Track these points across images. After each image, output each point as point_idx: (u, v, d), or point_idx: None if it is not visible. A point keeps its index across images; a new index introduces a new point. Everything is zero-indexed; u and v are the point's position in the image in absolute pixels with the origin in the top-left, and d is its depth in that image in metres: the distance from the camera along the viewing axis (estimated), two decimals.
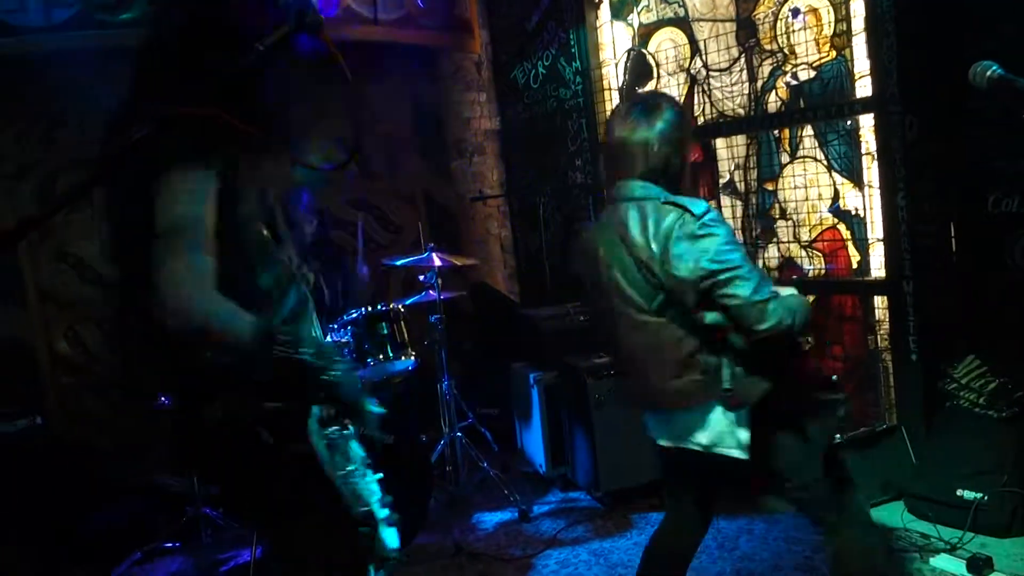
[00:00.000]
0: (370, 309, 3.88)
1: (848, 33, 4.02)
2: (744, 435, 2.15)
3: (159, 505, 4.07)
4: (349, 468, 1.73)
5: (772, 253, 4.48)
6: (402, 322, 3.93)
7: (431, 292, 4.19)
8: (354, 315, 3.89)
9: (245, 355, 1.53)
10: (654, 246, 2.12)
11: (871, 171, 4.00)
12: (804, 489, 2.26)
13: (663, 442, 2.36)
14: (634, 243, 2.17)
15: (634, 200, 2.22)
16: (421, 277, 4.26)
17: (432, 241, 4.23)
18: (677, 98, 4.69)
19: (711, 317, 2.13)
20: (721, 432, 2.18)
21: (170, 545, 3.85)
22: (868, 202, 4.07)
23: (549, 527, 3.86)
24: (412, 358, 3.91)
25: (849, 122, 4.10)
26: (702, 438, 2.22)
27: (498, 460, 4.57)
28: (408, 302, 4.13)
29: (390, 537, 1.78)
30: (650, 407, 2.37)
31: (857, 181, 4.14)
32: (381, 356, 3.81)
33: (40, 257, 4.47)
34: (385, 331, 3.84)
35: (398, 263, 4.25)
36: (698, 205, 2.12)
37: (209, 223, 1.48)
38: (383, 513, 1.78)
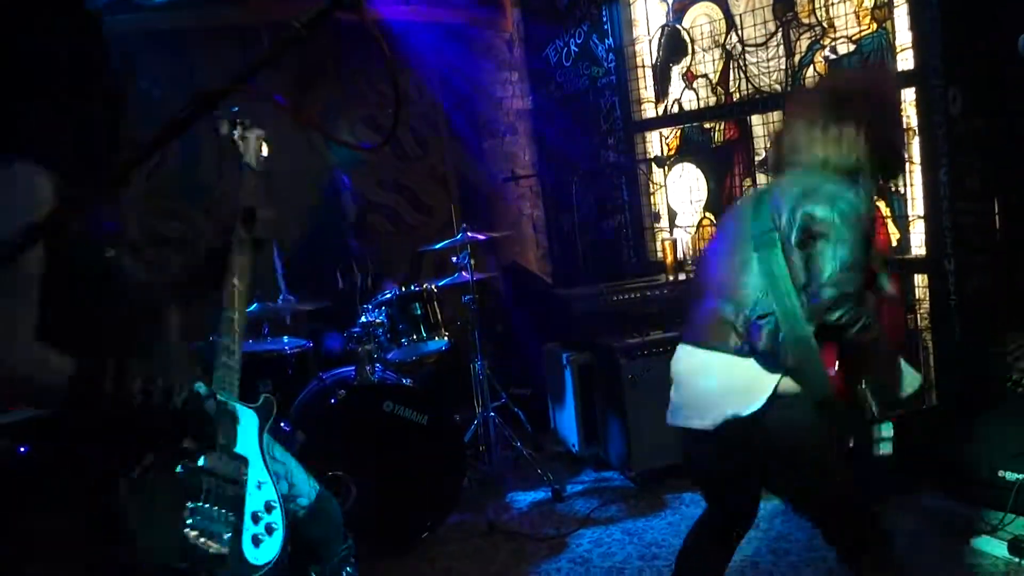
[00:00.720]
0: (403, 290, 3.90)
1: (890, 5, 3.92)
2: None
3: None
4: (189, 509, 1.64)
5: None
6: (435, 302, 3.95)
7: (464, 273, 4.19)
8: (388, 295, 3.92)
9: None
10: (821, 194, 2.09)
11: (912, 147, 3.91)
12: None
13: (696, 423, 2.28)
14: (780, 193, 2.17)
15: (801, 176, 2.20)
16: (454, 258, 4.26)
17: (464, 222, 4.23)
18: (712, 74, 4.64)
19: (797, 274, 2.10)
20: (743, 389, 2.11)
21: None
22: (908, 178, 3.98)
23: (582, 506, 3.87)
24: (445, 338, 3.93)
25: None
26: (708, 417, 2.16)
27: (531, 440, 4.58)
28: (441, 283, 4.14)
29: (257, 554, 1.74)
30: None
31: None
32: (415, 336, 3.84)
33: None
34: (418, 311, 3.86)
35: (436, 247, 4.25)
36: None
37: None
38: (249, 529, 1.74)
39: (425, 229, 5.55)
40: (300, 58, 4.96)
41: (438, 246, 4.26)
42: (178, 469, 1.66)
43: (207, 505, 1.67)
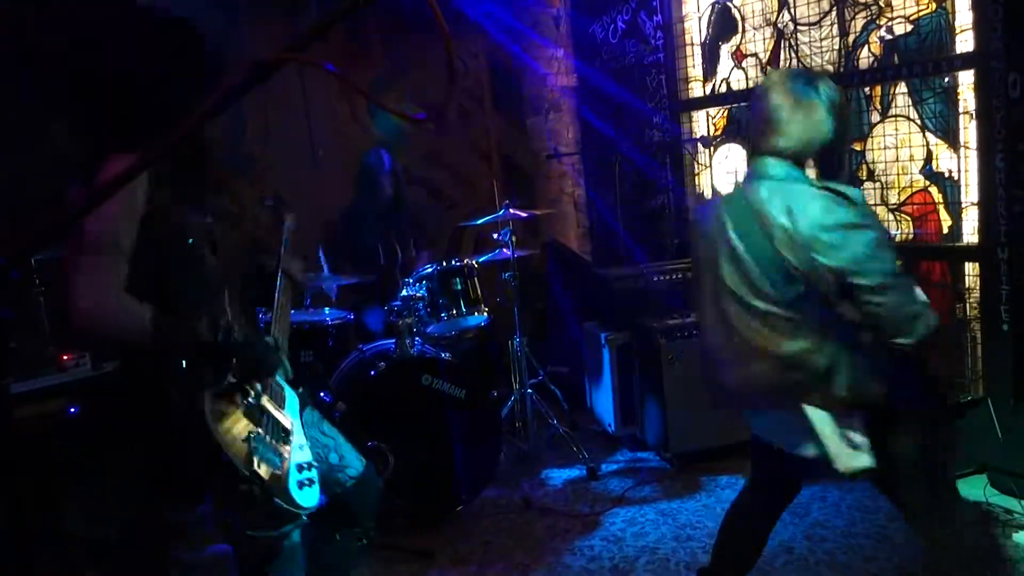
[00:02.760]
0: (444, 264, 3.92)
1: None
2: (860, 439, 2.01)
3: None
4: (252, 432, 1.87)
5: None
6: (475, 278, 3.96)
7: (504, 250, 4.19)
8: (429, 270, 3.94)
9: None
10: (803, 231, 1.97)
11: (968, 131, 3.79)
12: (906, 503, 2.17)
13: (767, 439, 2.26)
14: (775, 225, 2.01)
15: (774, 180, 2.07)
16: (495, 234, 4.26)
17: (506, 198, 4.22)
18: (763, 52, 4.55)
19: (853, 313, 2.00)
20: (832, 440, 2.02)
21: None
22: (963, 164, 3.88)
23: (617, 486, 3.87)
24: (485, 314, 3.94)
25: (947, 79, 3.89)
26: (811, 449, 2.08)
27: (567, 418, 4.59)
28: (482, 259, 4.15)
29: (301, 496, 1.91)
30: (735, 402, 2.27)
31: (952, 142, 3.94)
32: (454, 311, 3.86)
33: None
34: (459, 287, 3.88)
35: (477, 222, 4.26)
36: (855, 192, 2.00)
37: None
38: (294, 474, 1.94)
39: (466, 204, 5.56)
40: (348, 30, 4.98)
41: (479, 221, 4.26)
42: (249, 400, 1.93)
43: (265, 436, 1.90)
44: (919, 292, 2.08)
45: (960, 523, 2.24)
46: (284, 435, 2.00)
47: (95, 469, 3.09)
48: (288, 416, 2.08)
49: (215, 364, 1.89)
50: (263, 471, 1.81)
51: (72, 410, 3.21)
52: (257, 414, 1.93)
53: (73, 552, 3.09)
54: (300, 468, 1.98)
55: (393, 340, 3.70)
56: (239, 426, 1.85)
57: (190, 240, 1.94)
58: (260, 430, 1.89)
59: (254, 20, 4.61)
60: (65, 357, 3.38)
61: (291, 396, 2.17)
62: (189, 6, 4.31)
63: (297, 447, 2.03)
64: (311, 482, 1.98)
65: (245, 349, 1.95)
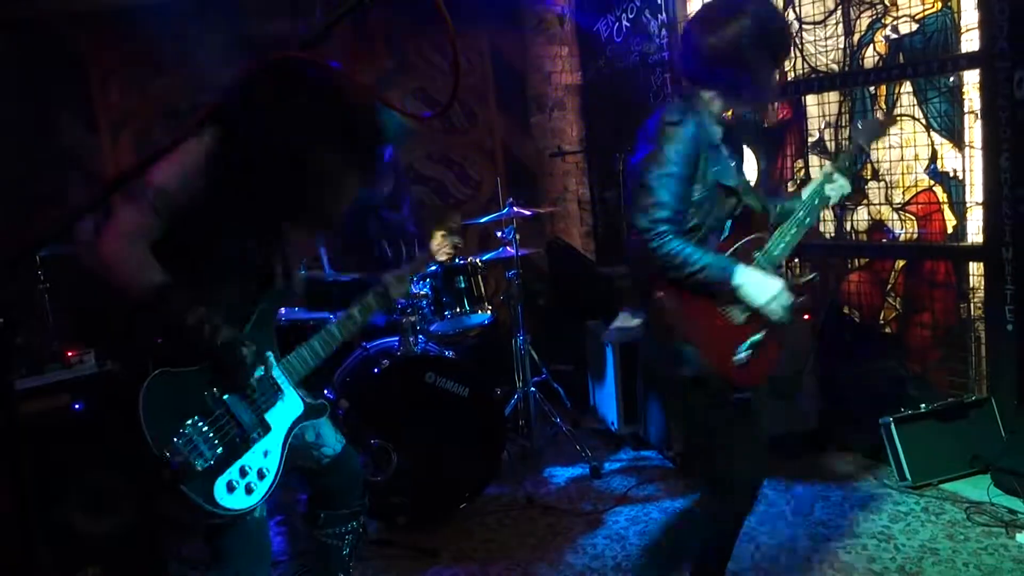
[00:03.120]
0: (448, 263, 3.91)
1: None
2: None
3: None
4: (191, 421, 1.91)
5: (862, 215, 4.31)
6: (479, 276, 3.96)
7: (508, 248, 4.19)
8: (433, 268, 3.94)
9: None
10: None
11: (973, 131, 3.79)
12: None
13: None
14: None
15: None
16: (499, 233, 4.26)
17: (510, 197, 4.22)
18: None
19: None
20: None
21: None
22: (968, 164, 3.87)
23: (620, 484, 3.88)
24: (488, 312, 3.94)
25: (952, 78, 3.88)
26: None
27: (570, 416, 4.60)
28: (486, 257, 4.15)
29: (223, 496, 1.91)
30: None
31: (957, 141, 3.93)
32: (458, 309, 3.85)
33: None
34: (462, 285, 3.88)
35: (481, 220, 4.26)
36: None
37: None
38: (229, 474, 1.94)
39: (471, 203, 5.57)
40: (353, 28, 4.98)
41: (483, 220, 4.26)
42: (206, 392, 1.95)
43: (207, 429, 1.92)
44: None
45: None
46: (241, 436, 1.98)
47: (98, 464, 3.10)
48: (268, 421, 2.07)
49: (190, 352, 1.93)
50: (179, 459, 1.82)
51: (77, 406, 3.22)
52: (212, 407, 1.95)
53: (74, 546, 3.11)
54: (243, 472, 1.96)
55: (397, 337, 3.70)
56: (182, 414, 1.89)
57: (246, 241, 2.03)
58: (203, 423, 1.91)
59: (258, 21, 4.62)
60: (70, 353, 3.40)
61: (290, 401, 2.15)
62: (196, 7, 4.34)
63: (258, 452, 2.01)
64: (249, 489, 1.96)
65: (224, 350, 1.94)
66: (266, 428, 2.06)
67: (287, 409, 2.14)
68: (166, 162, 1.81)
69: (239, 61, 4.30)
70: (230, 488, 1.92)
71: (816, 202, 2.36)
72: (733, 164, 2.27)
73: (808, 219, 2.32)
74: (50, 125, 4.54)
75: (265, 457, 2.03)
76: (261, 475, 2.00)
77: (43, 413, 3.15)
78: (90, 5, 4.39)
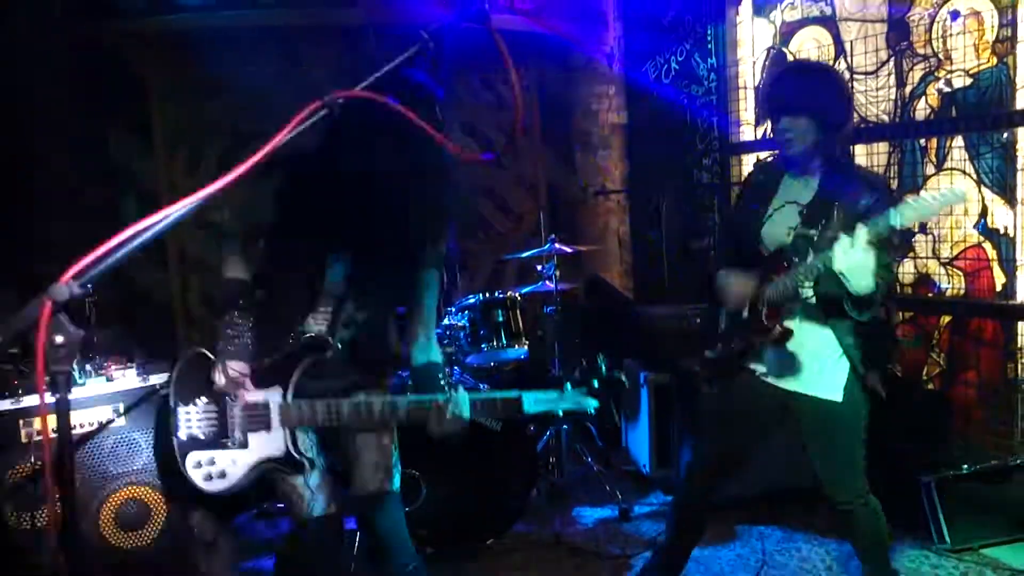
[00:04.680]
0: (487, 295, 3.93)
1: (1012, 39, 3.76)
2: None
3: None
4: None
5: (907, 268, 4.25)
6: (518, 311, 3.96)
7: (547, 283, 4.19)
8: (471, 300, 3.95)
9: None
10: None
11: None
12: None
13: None
14: None
15: None
16: (539, 267, 4.27)
17: (551, 232, 4.23)
18: None
19: None
20: None
21: (282, 506, 4.02)
22: (1019, 221, 3.81)
23: (649, 528, 3.82)
24: (525, 347, 3.93)
25: (1005, 134, 3.84)
26: None
27: (601, 456, 4.55)
28: (524, 291, 4.15)
29: (197, 478, 2.13)
30: None
31: (1009, 198, 3.87)
32: (495, 343, 3.86)
33: (182, 223, 4.75)
34: (501, 318, 3.89)
35: (522, 255, 4.27)
36: None
37: None
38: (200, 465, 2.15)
39: (512, 236, 5.59)
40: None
41: (524, 254, 4.28)
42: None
43: (205, 410, 2.16)
44: None
45: None
46: (220, 434, 2.14)
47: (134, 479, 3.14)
48: (246, 437, 2.16)
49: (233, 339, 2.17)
50: (180, 432, 2.11)
51: (117, 418, 3.27)
52: (216, 398, 2.16)
53: (105, 558, 3.13)
54: (212, 460, 2.12)
55: None
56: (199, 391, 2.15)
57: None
58: (207, 405, 2.14)
59: (314, 51, 4.73)
60: (112, 367, 3.45)
61: (271, 439, 2.20)
62: (251, 32, 4.45)
63: (227, 456, 2.14)
64: (208, 476, 2.12)
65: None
66: (244, 444, 2.16)
67: (267, 442, 2.18)
68: None
69: (292, 88, 4.39)
70: (197, 464, 2.12)
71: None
72: None
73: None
74: (106, 142, 4.67)
75: (232, 463, 2.14)
76: (222, 475, 2.13)
77: (82, 424, 3.20)
78: (153, 28, 4.53)
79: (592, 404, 2.16)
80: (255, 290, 2.26)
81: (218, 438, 2.15)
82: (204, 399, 2.16)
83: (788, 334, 2.46)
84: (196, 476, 2.12)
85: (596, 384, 2.18)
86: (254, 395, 2.15)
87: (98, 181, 4.63)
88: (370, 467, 2.33)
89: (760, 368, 2.62)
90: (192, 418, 2.14)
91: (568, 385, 2.18)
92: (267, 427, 2.16)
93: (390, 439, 2.38)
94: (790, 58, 4.82)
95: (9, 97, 4.22)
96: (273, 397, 2.16)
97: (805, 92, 2.42)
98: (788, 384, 2.56)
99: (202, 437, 2.14)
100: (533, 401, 2.19)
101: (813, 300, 2.47)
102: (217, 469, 2.13)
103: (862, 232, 2.14)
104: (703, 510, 2.87)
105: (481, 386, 3.78)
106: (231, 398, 2.15)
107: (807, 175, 2.51)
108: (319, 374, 2.19)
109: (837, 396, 2.50)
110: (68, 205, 4.48)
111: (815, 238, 2.40)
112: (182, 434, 2.12)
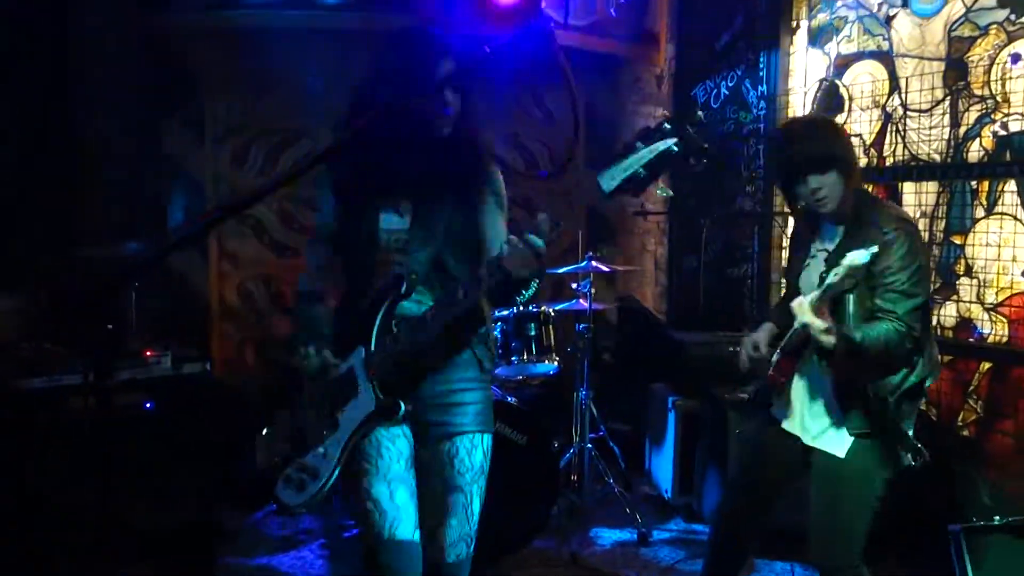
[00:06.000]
0: (521, 309, 3.92)
1: None
2: None
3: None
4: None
5: (950, 311, 4.17)
6: (550, 326, 3.95)
7: (582, 301, 4.18)
8: (504, 313, 3.95)
9: None
10: None
11: None
12: None
13: None
14: None
15: None
16: (574, 284, 4.26)
17: (590, 250, 4.22)
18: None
19: None
20: None
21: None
22: None
23: (667, 555, 3.78)
24: (555, 363, 3.92)
25: None
26: None
27: (623, 478, 4.51)
28: (557, 307, 4.14)
29: (282, 492, 2.09)
30: None
31: None
32: (525, 356, 3.85)
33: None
34: (532, 332, 3.88)
35: (559, 271, 4.27)
36: None
37: None
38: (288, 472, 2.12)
39: (549, 250, 5.57)
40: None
41: (561, 271, 4.27)
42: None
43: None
44: None
45: None
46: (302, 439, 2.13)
47: (162, 465, 3.18)
48: (337, 419, 2.10)
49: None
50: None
51: (148, 405, 3.32)
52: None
53: (127, 542, 3.17)
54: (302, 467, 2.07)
55: None
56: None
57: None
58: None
59: (367, 55, 4.77)
60: (148, 352, 3.50)
61: (365, 398, 2.07)
62: (309, 34, 4.49)
63: (319, 450, 2.07)
64: (300, 484, 2.05)
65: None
66: (333, 425, 2.08)
67: (360, 405, 2.08)
68: None
69: (341, 91, 4.43)
70: (288, 482, 2.06)
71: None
72: None
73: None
74: (159, 133, 4.76)
75: (324, 457, 2.06)
76: (303, 471, 2.06)
77: (114, 408, 3.25)
78: (212, 23, 4.61)
79: (670, 141, 2.04)
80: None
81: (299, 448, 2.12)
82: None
83: (783, 384, 2.48)
84: (287, 494, 2.07)
85: (668, 126, 2.04)
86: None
87: (151, 171, 4.73)
88: (455, 534, 2.28)
89: (779, 414, 2.59)
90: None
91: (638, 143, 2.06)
92: (355, 391, 2.08)
93: (480, 500, 2.34)
94: (842, 91, 4.77)
95: (75, 84, 4.33)
96: (356, 356, 2.10)
97: (825, 145, 2.37)
98: (801, 433, 2.51)
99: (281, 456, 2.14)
100: (609, 178, 2.09)
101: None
102: (310, 472, 2.06)
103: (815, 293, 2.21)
104: (740, 550, 2.83)
105: (509, 398, 3.77)
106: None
107: (841, 222, 2.46)
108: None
109: (840, 452, 2.38)
110: (121, 193, 4.57)
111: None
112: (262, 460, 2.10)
